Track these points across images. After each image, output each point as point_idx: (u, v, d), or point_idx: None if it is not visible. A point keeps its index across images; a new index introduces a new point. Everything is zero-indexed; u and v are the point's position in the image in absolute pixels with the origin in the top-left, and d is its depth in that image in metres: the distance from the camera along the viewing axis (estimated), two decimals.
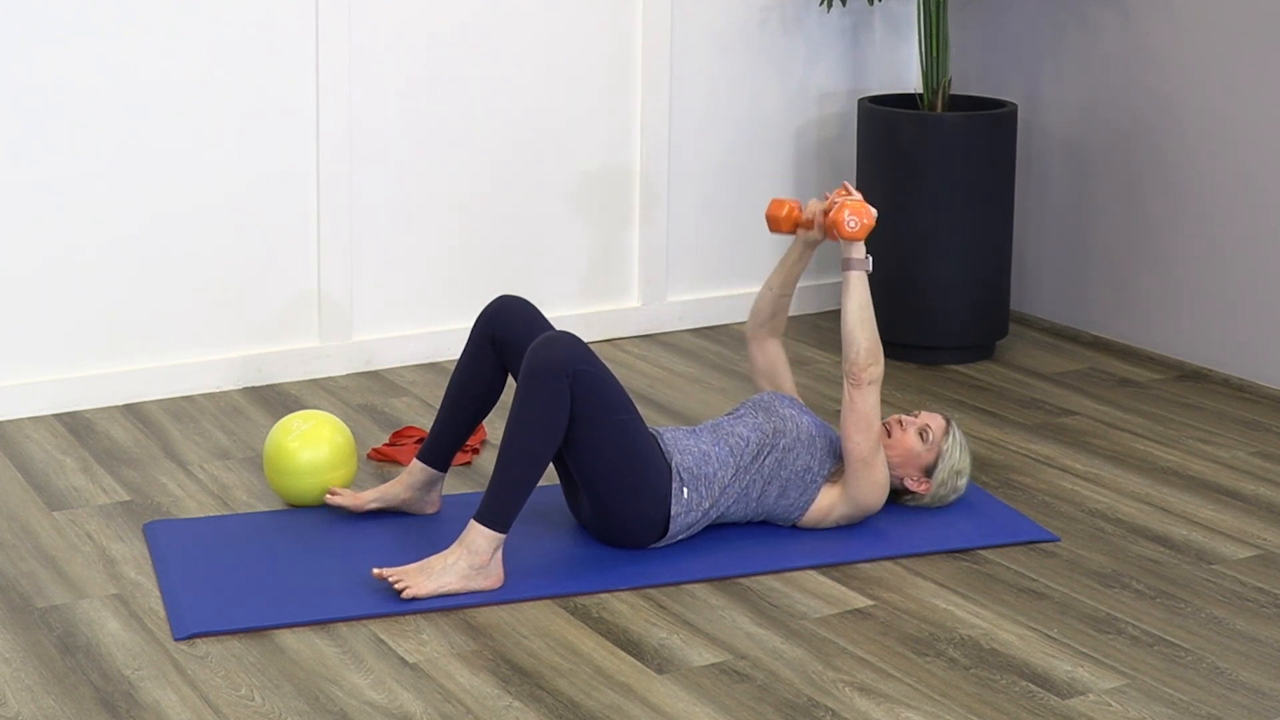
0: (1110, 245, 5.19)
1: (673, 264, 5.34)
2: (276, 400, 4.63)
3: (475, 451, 4.25)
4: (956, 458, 3.86)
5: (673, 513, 3.61)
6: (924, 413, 3.88)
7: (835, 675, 3.17)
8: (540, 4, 4.99)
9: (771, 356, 4.03)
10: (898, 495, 3.91)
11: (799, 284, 5.55)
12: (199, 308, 4.65)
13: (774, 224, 3.90)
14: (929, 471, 3.85)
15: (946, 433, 3.85)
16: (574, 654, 3.24)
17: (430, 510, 3.86)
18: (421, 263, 4.94)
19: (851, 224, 3.70)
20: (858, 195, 3.75)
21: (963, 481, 3.88)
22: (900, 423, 3.85)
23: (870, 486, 3.72)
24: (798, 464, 3.73)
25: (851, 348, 3.69)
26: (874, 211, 3.74)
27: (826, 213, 3.82)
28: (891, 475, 3.85)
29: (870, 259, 3.73)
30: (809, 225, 3.89)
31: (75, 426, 4.40)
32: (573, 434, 3.50)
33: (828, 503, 3.76)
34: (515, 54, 4.98)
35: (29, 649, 3.22)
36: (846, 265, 3.72)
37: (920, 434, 3.84)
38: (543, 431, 3.43)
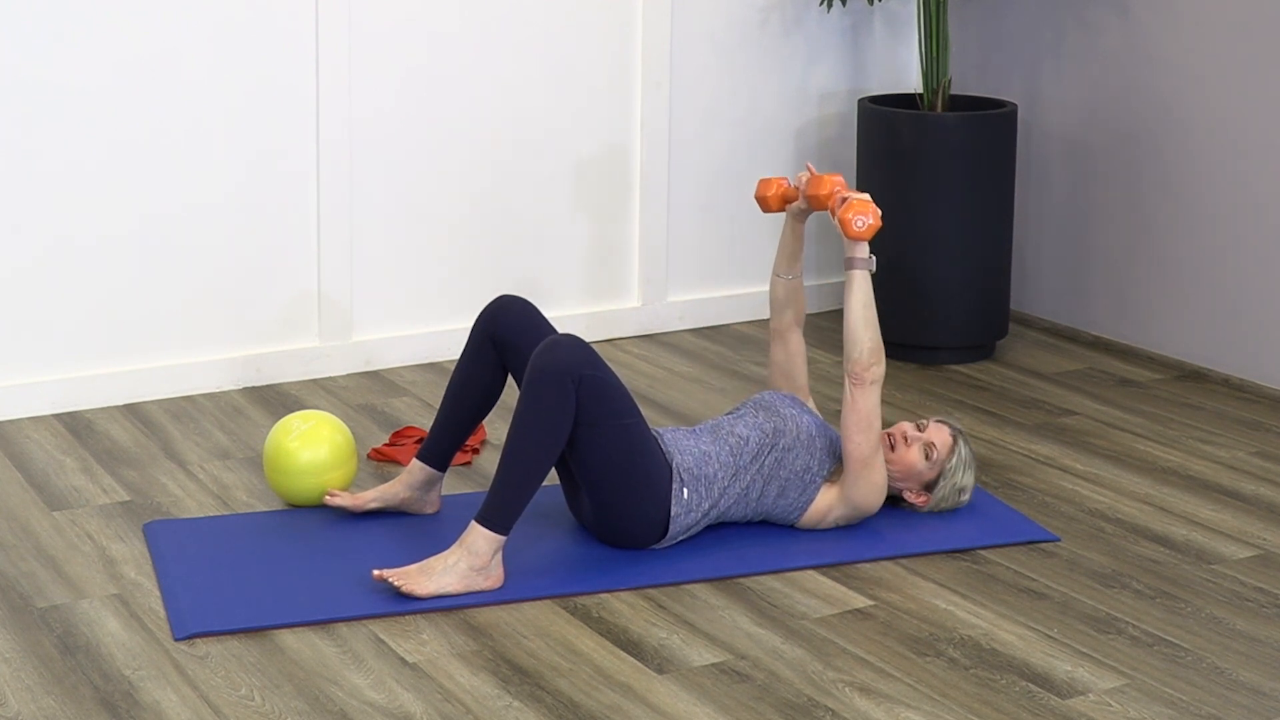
0: (1110, 245, 5.19)
1: (673, 264, 5.34)
2: (276, 400, 4.63)
3: (475, 451, 4.25)
4: (959, 477, 3.83)
5: (673, 513, 3.61)
6: (932, 425, 3.82)
7: (835, 675, 3.17)
8: (540, 4, 5.00)
9: (792, 351, 4.01)
10: (896, 501, 3.91)
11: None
12: (199, 307, 4.66)
13: (764, 204, 4.02)
14: (929, 487, 3.84)
15: (952, 452, 3.82)
16: (574, 654, 3.24)
17: (430, 510, 3.86)
18: (421, 262, 4.94)
19: (859, 224, 3.69)
20: (865, 195, 3.75)
21: (965, 497, 3.87)
22: (905, 438, 3.81)
23: (868, 488, 3.72)
24: (797, 464, 3.72)
25: (855, 347, 3.68)
26: (880, 211, 3.75)
27: (819, 196, 3.87)
28: (890, 485, 3.85)
29: (874, 259, 3.73)
30: (794, 196, 3.96)
31: (75, 426, 4.40)
32: (576, 437, 3.50)
33: (825, 503, 3.76)
34: (515, 54, 4.98)
35: (29, 649, 3.22)
36: (850, 264, 3.72)
37: (925, 453, 3.81)
38: (546, 435, 3.43)
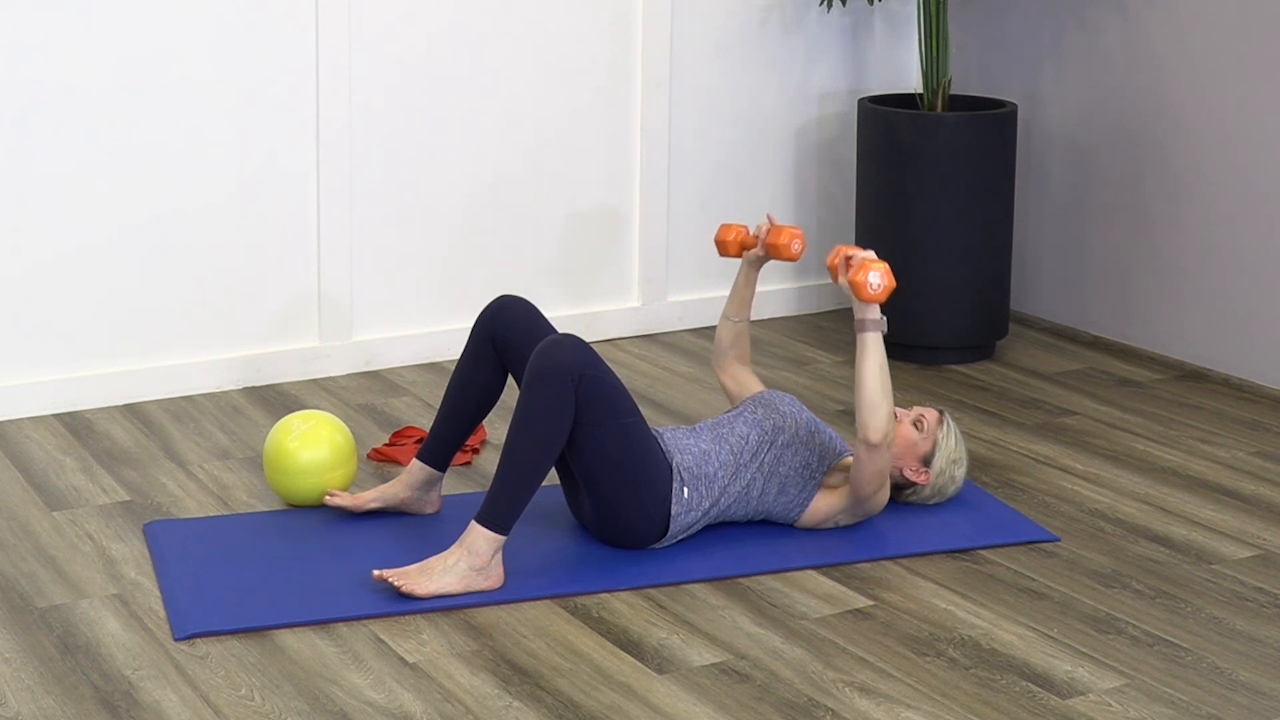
0: (1110, 245, 5.19)
1: (673, 264, 5.34)
2: (276, 400, 4.63)
3: (475, 451, 4.25)
4: (952, 446, 3.88)
5: (673, 512, 3.61)
6: (917, 406, 3.90)
7: (835, 675, 3.17)
8: (540, 4, 5.00)
9: (743, 382, 4.06)
10: (899, 490, 3.91)
11: (798, 283, 5.55)
12: (199, 307, 4.66)
13: (722, 248, 4.07)
14: (927, 461, 3.86)
15: (941, 422, 3.88)
16: (574, 654, 3.24)
17: (430, 510, 3.86)
18: (421, 263, 4.94)
19: (874, 285, 3.58)
20: (871, 253, 3.65)
21: (960, 471, 3.89)
22: (895, 415, 3.87)
23: (874, 505, 3.75)
24: (796, 460, 3.73)
25: (874, 414, 3.59)
26: (889, 268, 3.72)
27: (776, 244, 3.92)
28: (891, 467, 3.86)
29: (885, 319, 3.64)
30: (753, 243, 4.00)
31: (75, 426, 4.40)
32: (576, 437, 3.50)
33: (827, 508, 3.76)
34: (515, 54, 4.98)
35: (29, 649, 3.22)
36: (862, 327, 3.61)
37: (915, 424, 3.87)
38: (546, 435, 3.43)
